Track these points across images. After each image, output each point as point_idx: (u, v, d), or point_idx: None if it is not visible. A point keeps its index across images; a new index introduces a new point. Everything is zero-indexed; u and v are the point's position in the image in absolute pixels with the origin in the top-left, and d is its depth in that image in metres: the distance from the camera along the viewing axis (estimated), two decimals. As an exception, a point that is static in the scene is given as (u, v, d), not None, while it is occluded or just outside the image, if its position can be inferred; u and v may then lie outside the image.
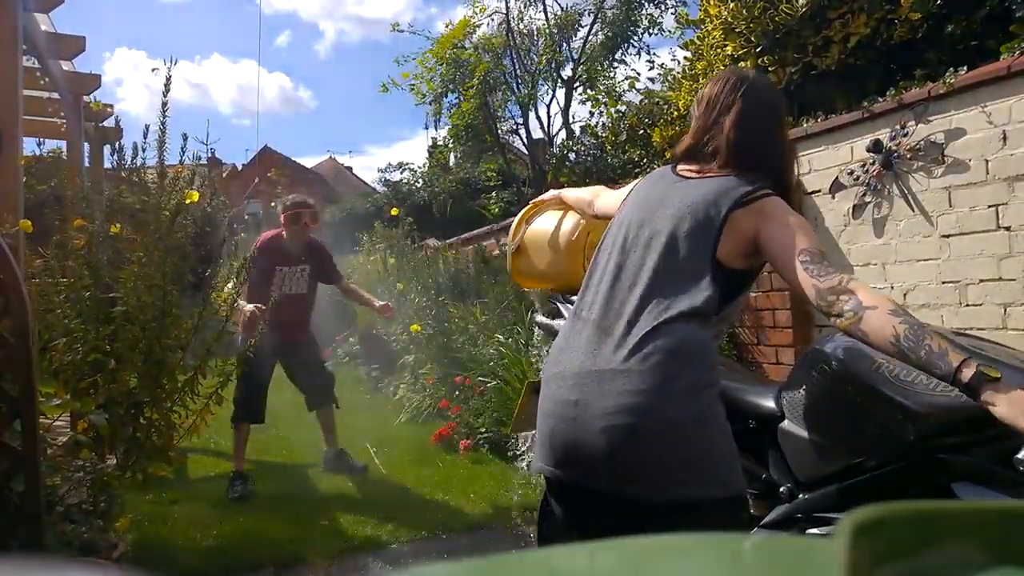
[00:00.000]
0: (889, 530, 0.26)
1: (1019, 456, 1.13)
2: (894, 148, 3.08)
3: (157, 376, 2.79)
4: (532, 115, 8.94)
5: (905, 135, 3.04)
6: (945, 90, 2.86)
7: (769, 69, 3.78)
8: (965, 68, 2.83)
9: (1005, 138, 2.70)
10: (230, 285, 3.33)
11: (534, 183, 8.41)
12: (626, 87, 8.18)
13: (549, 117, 9.16)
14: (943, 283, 2.95)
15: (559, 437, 1.36)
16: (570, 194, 2.05)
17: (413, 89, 8.71)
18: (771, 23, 3.73)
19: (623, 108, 7.01)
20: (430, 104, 8.66)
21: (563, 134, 8.86)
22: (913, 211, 3.05)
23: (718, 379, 1.36)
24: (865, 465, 1.49)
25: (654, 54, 17.85)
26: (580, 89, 8.77)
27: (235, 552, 2.87)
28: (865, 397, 1.46)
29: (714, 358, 1.37)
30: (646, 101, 6.04)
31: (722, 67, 4.18)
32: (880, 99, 3.18)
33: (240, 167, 23.45)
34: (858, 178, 3.27)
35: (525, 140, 9.05)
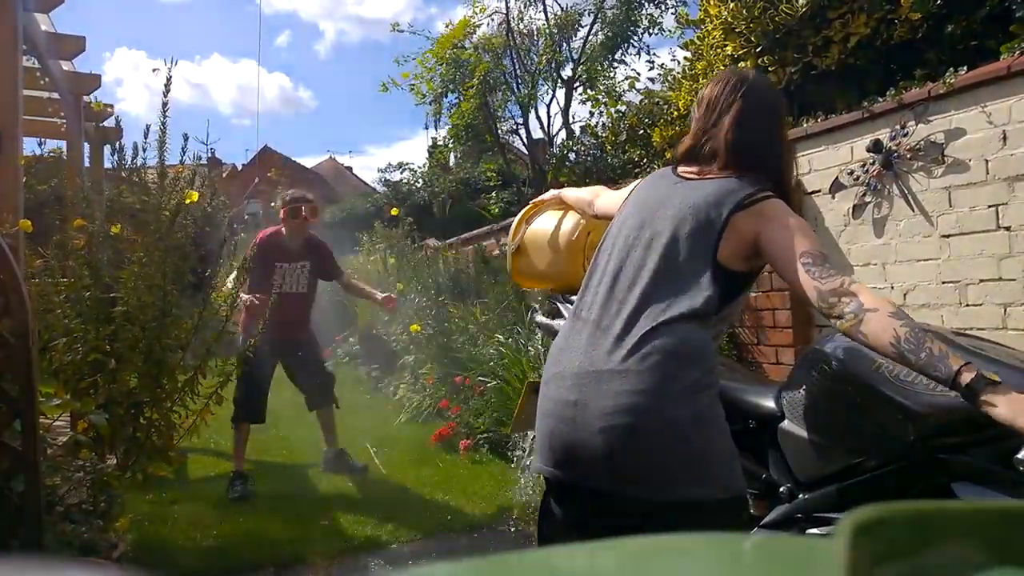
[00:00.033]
0: (889, 530, 0.26)
1: (1019, 456, 1.13)
2: (894, 148, 3.08)
3: (157, 376, 2.79)
4: (532, 115, 8.95)
5: (905, 135, 3.04)
6: (945, 90, 2.86)
7: (769, 69, 3.78)
8: (965, 68, 2.83)
9: (1005, 138, 2.70)
10: (230, 280, 3.33)
11: (534, 183, 8.41)
12: (626, 87, 8.19)
13: (549, 117, 9.17)
14: (943, 283, 2.95)
15: (558, 437, 1.37)
16: (570, 194, 2.05)
17: (413, 89, 8.72)
18: (771, 23, 3.73)
19: (623, 108, 7.01)
20: (430, 104, 8.67)
21: (563, 134, 8.87)
22: (913, 211, 3.05)
23: (717, 379, 1.36)
24: (865, 465, 1.49)
25: (654, 54, 17.89)
26: (580, 89, 8.78)
27: (235, 552, 2.87)
28: (865, 397, 1.46)
29: (713, 358, 1.37)
30: (646, 101, 6.04)
31: (722, 67, 4.18)
32: (880, 99, 3.18)
33: (240, 167, 23.47)
34: (858, 178, 3.27)
35: (525, 140, 9.05)
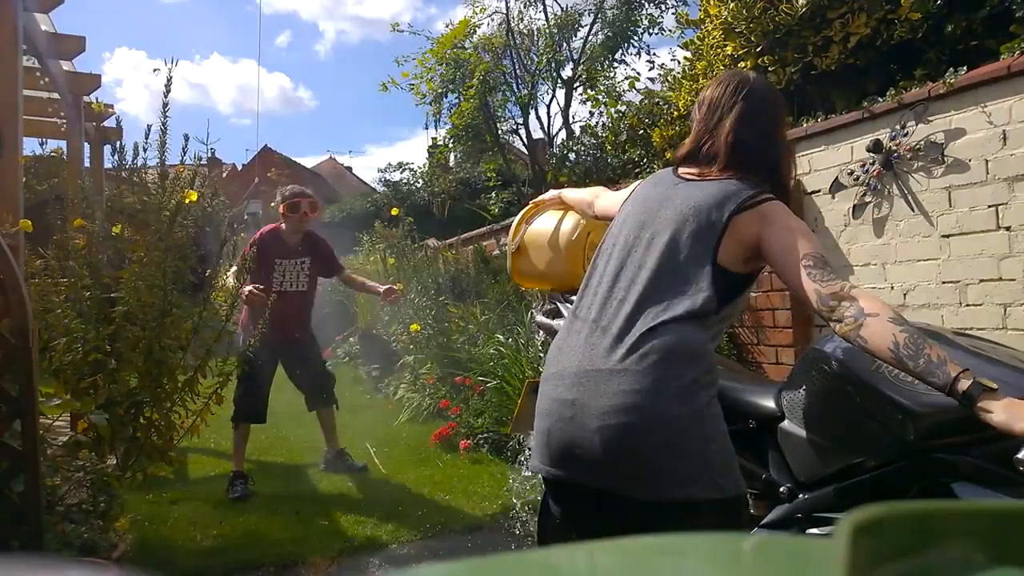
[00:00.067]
0: (889, 530, 0.26)
1: (1019, 456, 1.13)
2: (894, 148, 3.08)
3: (157, 376, 2.79)
4: (532, 115, 8.95)
5: (905, 135, 3.04)
6: (945, 90, 2.87)
7: (769, 69, 3.78)
8: (965, 68, 2.83)
9: (1005, 138, 2.70)
10: (230, 275, 3.33)
11: (534, 183, 8.41)
12: (626, 87, 8.19)
13: (549, 117, 9.17)
14: (943, 283, 2.95)
15: (556, 436, 1.37)
16: (570, 194, 2.05)
17: (413, 89, 8.72)
18: (771, 23, 3.73)
19: (623, 108, 7.01)
20: (430, 104, 8.67)
21: (563, 134, 8.87)
22: (913, 211, 3.05)
23: (716, 380, 1.37)
24: (865, 465, 1.49)
25: (654, 54, 17.85)
26: (580, 89, 8.78)
27: (235, 552, 2.87)
28: (865, 397, 1.46)
29: (712, 359, 1.37)
30: (646, 101, 6.04)
31: (722, 67, 4.18)
32: (880, 99, 3.18)
33: (240, 167, 23.48)
34: (858, 178, 3.27)
35: (525, 140, 9.05)
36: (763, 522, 1.64)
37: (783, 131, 1.56)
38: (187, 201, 2.88)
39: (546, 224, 2.08)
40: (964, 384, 1.10)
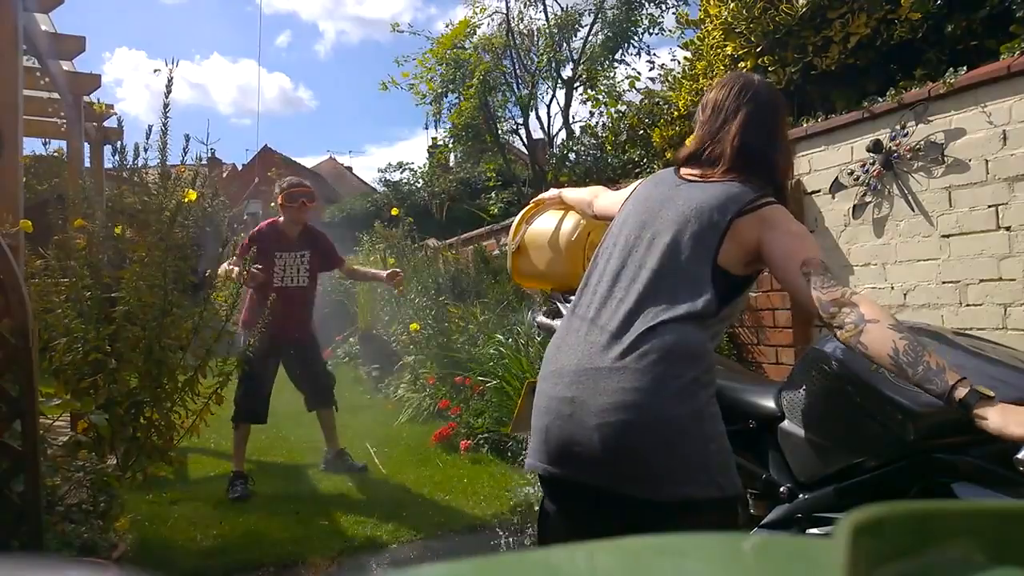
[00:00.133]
0: (889, 530, 0.26)
1: (1019, 456, 1.13)
2: (894, 148, 3.08)
3: (157, 376, 2.79)
4: (532, 115, 8.96)
5: (905, 135, 3.04)
6: (945, 90, 2.87)
7: (769, 69, 3.78)
8: (965, 68, 2.83)
9: (1005, 138, 2.70)
10: (230, 264, 3.33)
11: (534, 183, 8.41)
12: (626, 87, 8.19)
13: (549, 117, 9.18)
14: (943, 283, 2.95)
15: (555, 434, 1.37)
16: (570, 194, 2.05)
17: (413, 89, 8.72)
18: (771, 23, 3.73)
19: (623, 108, 7.01)
20: (430, 104, 8.67)
21: (563, 134, 8.88)
22: (913, 211, 3.05)
23: (715, 380, 1.37)
24: (865, 465, 1.49)
25: (654, 54, 17.87)
26: (580, 89, 8.78)
27: (235, 552, 2.87)
28: (865, 397, 1.46)
29: (711, 358, 1.37)
30: (646, 101, 6.04)
31: (722, 67, 4.18)
32: (880, 99, 3.18)
33: (240, 167, 23.49)
34: (858, 178, 3.27)
35: (525, 140, 9.05)
36: (763, 522, 1.64)
37: (785, 133, 1.57)
38: (187, 201, 2.88)
39: (546, 224, 2.08)
40: (961, 392, 1.12)
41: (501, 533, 3.09)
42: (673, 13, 8.23)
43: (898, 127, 3.07)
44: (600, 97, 8.08)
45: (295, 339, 3.89)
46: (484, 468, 4.01)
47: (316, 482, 3.91)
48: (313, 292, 4.05)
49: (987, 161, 2.76)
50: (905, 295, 3.11)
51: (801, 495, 1.61)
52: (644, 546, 0.33)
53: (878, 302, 1.38)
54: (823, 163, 3.47)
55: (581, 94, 8.68)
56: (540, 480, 1.51)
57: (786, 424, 1.66)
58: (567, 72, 8.85)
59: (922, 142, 2.97)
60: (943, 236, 2.94)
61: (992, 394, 1.11)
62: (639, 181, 1.68)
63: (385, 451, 4.41)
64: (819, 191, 3.50)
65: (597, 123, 7.86)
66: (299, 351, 3.97)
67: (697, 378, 1.31)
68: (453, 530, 3.13)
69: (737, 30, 3.98)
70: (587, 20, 8.62)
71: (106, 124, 5.45)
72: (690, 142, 1.59)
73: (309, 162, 29.74)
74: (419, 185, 13.13)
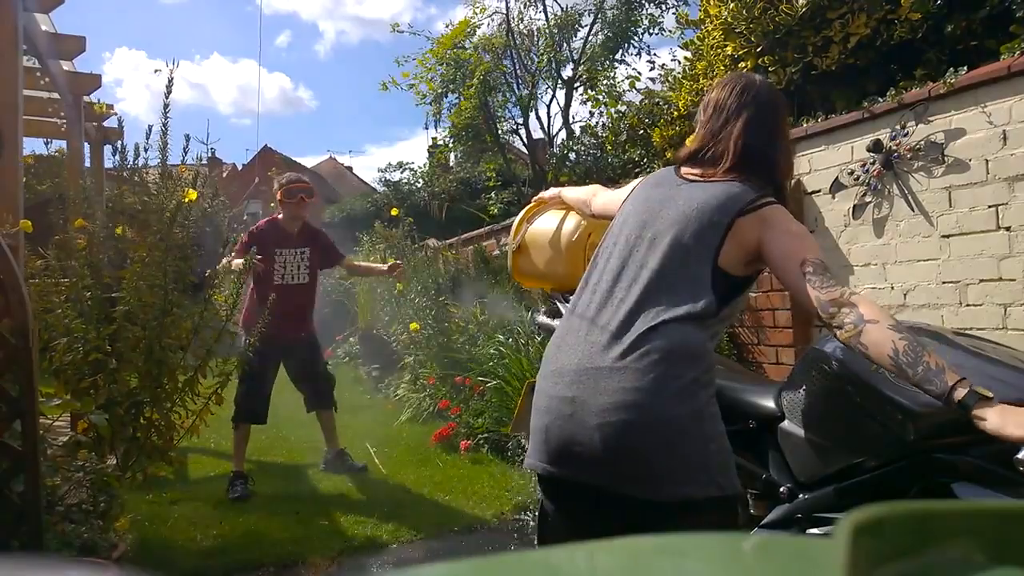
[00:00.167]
0: (889, 530, 0.26)
1: (1019, 456, 1.13)
2: (894, 148, 3.08)
3: (157, 376, 2.79)
4: (532, 115, 8.96)
5: (905, 135, 3.04)
6: (945, 90, 2.87)
7: (769, 69, 3.78)
8: (965, 68, 2.83)
9: (1005, 138, 2.70)
10: (231, 258, 3.33)
11: (534, 183, 8.41)
12: (626, 87, 8.19)
13: (549, 117, 9.18)
14: (943, 283, 2.95)
15: (555, 433, 1.37)
16: (569, 193, 2.05)
17: (413, 89, 8.72)
18: (771, 23, 3.73)
19: (623, 108, 7.01)
20: (430, 104, 8.67)
21: (563, 134, 8.88)
22: (913, 211, 3.05)
23: (715, 380, 1.37)
24: (865, 465, 1.49)
25: (654, 54, 17.86)
26: (580, 89, 8.78)
27: (235, 552, 2.87)
28: (865, 397, 1.46)
29: (711, 358, 1.37)
30: (646, 101, 6.03)
31: (722, 67, 4.18)
32: (880, 99, 3.18)
33: (240, 167, 23.48)
34: (858, 178, 3.27)
35: (525, 140, 9.05)
36: (763, 522, 1.64)
37: (786, 133, 1.57)
38: (187, 201, 2.88)
39: (548, 224, 2.08)
40: (960, 393, 1.12)
41: (501, 533, 3.10)
42: (673, 13, 8.24)
43: (898, 127, 3.07)
44: (600, 97, 8.09)
45: (296, 338, 3.88)
46: (484, 468, 4.01)
47: (316, 482, 3.91)
48: (314, 289, 4.04)
49: (987, 161, 2.76)
50: (905, 295, 3.11)
51: (801, 495, 1.61)
52: (644, 546, 0.33)
53: (878, 302, 1.39)
54: (823, 163, 3.47)
55: (581, 94, 8.68)
56: (539, 480, 1.51)
57: (786, 424, 1.66)
58: (567, 72, 8.86)
59: (922, 142, 2.97)
60: (943, 236, 2.94)
61: (991, 395, 1.11)
62: (638, 180, 1.68)
63: (385, 451, 4.41)
64: (819, 191, 3.50)
65: (597, 123, 7.87)
66: (300, 351, 3.96)
67: (697, 378, 1.31)
68: (453, 530, 3.13)
69: (737, 30, 3.98)
70: (587, 20, 8.63)
71: (106, 124, 5.45)
72: (691, 142, 1.59)
73: (309, 162, 29.76)
74: (419, 185, 13.13)
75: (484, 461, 4.15)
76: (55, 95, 4.54)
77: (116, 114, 5.30)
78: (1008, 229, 2.71)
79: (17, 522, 1.78)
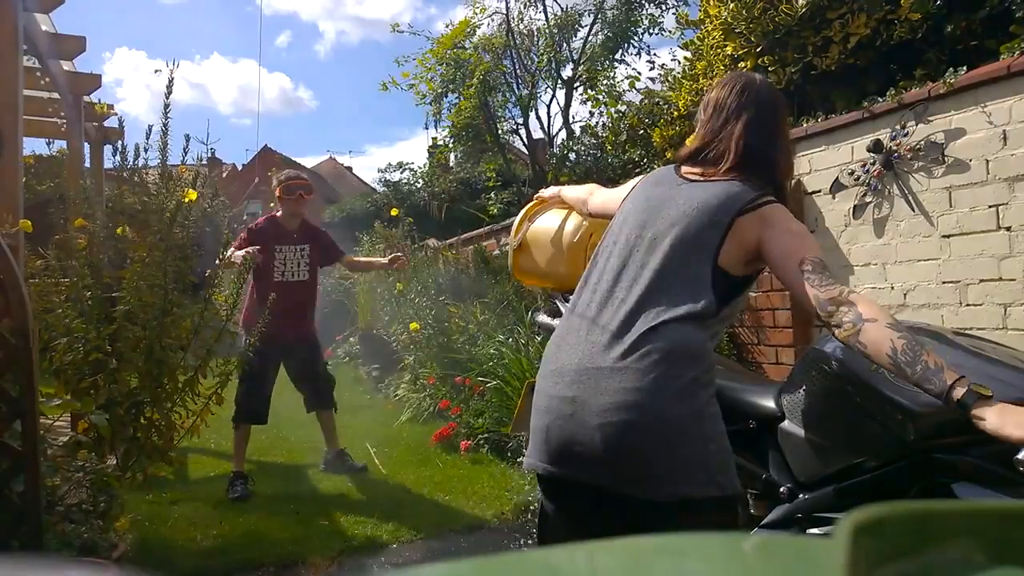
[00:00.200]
0: (889, 530, 0.26)
1: (1019, 456, 1.13)
2: (894, 148, 3.08)
3: (158, 376, 2.79)
4: (532, 115, 8.96)
5: (905, 135, 3.04)
6: (945, 90, 2.87)
7: (769, 69, 3.78)
8: (965, 68, 2.83)
9: (1005, 138, 2.70)
10: (231, 251, 3.33)
11: (534, 183, 8.41)
12: (626, 87, 8.19)
13: (549, 117, 9.18)
14: (943, 283, 2.95)
15: (556, 433, 1.37)
16: (568, 192, 2.05)
17: (413, 89, 8.72)
18: (771, 23, 3.73)
19: (623, 108, 7.01)
20: (430, 104, 8.67)
21: (563, 134, 8.88)
22: (913, 211, 3.05)
23: (715, 380, 1.37)
24: (865, 465, 1.49)
25: (654, 54, 17.89)
26: (580, 89, 8.78)
27: (235, 552, 2.87)
28: (865, 397, 1.46)
29: (711, 358, 1.37)
30: (646, 101, 6.04)
31: (722, 67, 4.18)
32: (880, 99, 3.18)
33: (240, 167, 23.49)
34: (858, 178, 3.27)
35: (525, 140, 9.06)
36: (763, 522, 1.64)
37: (786, 133, 1.57)
38: (187, 201, 2.88)
39: (549, 223, 2.08)
40: (959, 392, 1.12)
41: (501, 533, 3.10)
42: (673, 13, 8.24)
43: (898, 127, 3.07)
44: (600, 97, 8.09)
45: (296, 337, 3.86)
46: (484, 468, 4.01)
47: (316, 482, 3.91)
48: (314, 287, 4.03)
49: (987, 161, 2.76)
50: (905, 295, 3.11)
51: (801, 495, 1.61)
52: (644, 546, 0.33)
53: (878, 302, 1.38)
54: (823, 163, 3.47)
55: (581, 94, 8.69)
56: (539, 480, 1.51)
57: (786, 424, 1.66)
58: (567, 72, 8.86)
59: (922, 142, 2.97)
60: (943, 236, 2.94)
61: (990, 393, 1.11)
62: (637, 179, 1.67)
63: (385, 451, 4.41)
64: (819, 191, 3.50)
65: (597, 123, 7.87)
66: (300, 351, 3.95)
67: (697, 378, 1.31)
68: (453, 530, 3.13)
69: (737, 30, 3.98)
70: (587, 20, 8.64)
71: (106, 124, 5.45)
72: (691, 141, 1.59)
73: (309, 162, 29.78)
74: (419, 185, 13.12)
75: (484, 461, 4.15)
76: (55, 95, 4.54)
77: (116, 114, 5.31)
78: (1008, 229, 2.71)
79: (17, 522, 1.78)
